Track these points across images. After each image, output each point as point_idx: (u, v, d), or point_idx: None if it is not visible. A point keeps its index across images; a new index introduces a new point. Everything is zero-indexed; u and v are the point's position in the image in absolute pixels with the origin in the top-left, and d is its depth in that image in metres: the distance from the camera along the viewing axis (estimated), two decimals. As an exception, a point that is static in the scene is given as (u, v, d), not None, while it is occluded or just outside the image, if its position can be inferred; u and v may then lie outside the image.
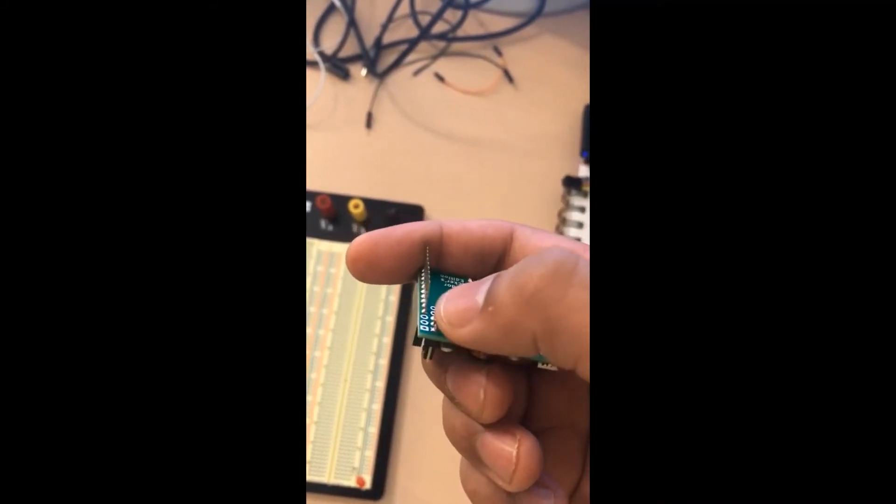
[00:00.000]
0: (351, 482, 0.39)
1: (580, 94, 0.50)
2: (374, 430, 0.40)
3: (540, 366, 0.16)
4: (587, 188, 0.45)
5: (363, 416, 0.41)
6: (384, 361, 0.42)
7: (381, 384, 0.41)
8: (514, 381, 0.16)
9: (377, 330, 0.42)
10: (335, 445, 0.40)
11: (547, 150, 0.48)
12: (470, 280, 0.18)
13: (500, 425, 0.16)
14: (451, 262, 0.18)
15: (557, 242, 0.17)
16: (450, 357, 0.17)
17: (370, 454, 0.40)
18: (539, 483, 0.16)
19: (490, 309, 0.15)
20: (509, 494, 0.16)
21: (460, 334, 0.15)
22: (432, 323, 0.16)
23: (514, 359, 0.16)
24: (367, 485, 0.39)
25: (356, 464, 0.40)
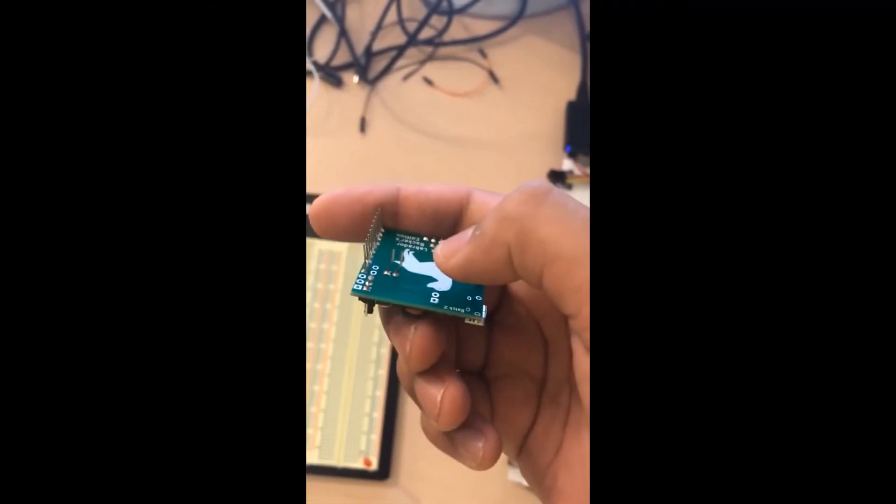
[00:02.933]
0: (358, 464, 0.42)
1: (563, 91, 0.52)
2: (378, 415, 0.43)
3: (467, 321, 0.18)
4: (571, 181, 0.48)
5: (368, 402, 0.43)
6: (385, 351, 0.44)
7: (383, 372, 0.44)
8: (445, 335, 0.18)
9: (378, 321, 0.45)
10: (342, 431, 0.43)
11: (532, 146, 0.51)
12: (423, 237, 0.19)
13: (432, 372, 0.17)
14: (407, 222, 0.19)
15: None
16: (391, 312, 0.18)
17: (375, 437, 0.43)
18: (474, 427, 0.18)
19: (477, 233, 0.16)
20: (448, 433, 0.18)
21: (451, 264, 0.17)
22: (367, 281, 0.18)
23: (448, 313, 0.17)
24: (374, 466, 0.42)
25: (363, 447, 0.43)
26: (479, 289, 0.18)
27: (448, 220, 0.19)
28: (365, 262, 0.18)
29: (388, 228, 0.19)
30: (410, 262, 0.18)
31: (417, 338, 0.17)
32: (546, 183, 0.16)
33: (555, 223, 0.15)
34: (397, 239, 0.19)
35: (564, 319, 0.19)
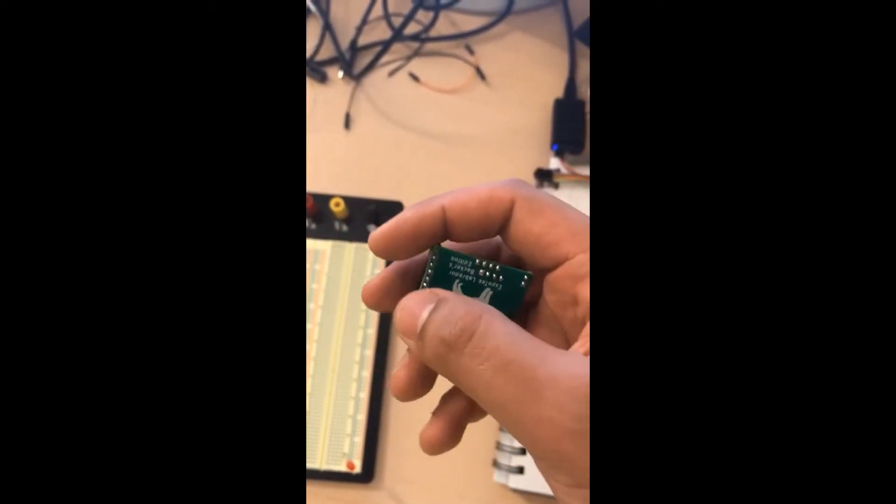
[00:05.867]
0: (341, 467, 0.41)
1: (550, 88, 0.52)
2: (361, 416, 0.42)
3: None
4: (558, 179, 0.47)
5: (351, 404, 0.43)
6: (369, 352, 0.44)
7: (367, 373, 0.43)
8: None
9: (361, 322, 0.44)
10: (325, 433, 0.42)
11: (519, 144, 0.50)
12: (476, 261, 0.20)
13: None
14: (456, 236, 0.20)
15: (548, 226, 0.19)
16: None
17: (359, 440, 0.42)
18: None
19: (418, 345, 0.18)
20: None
21: (405, 342, 0.19)
22: None
23: None
24: (357, 468, 0.41)
25: (346, 449, 0.42)
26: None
27: (493, 229, 0.20)
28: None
29: (440, 249, 0.20)
30: None
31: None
32: (475, 318, 0.17)
33: (476, 375, 0.17)
34: (450, 265, 0.20)
35: (578, 321, 0.20)
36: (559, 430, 0.16)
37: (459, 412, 0.21)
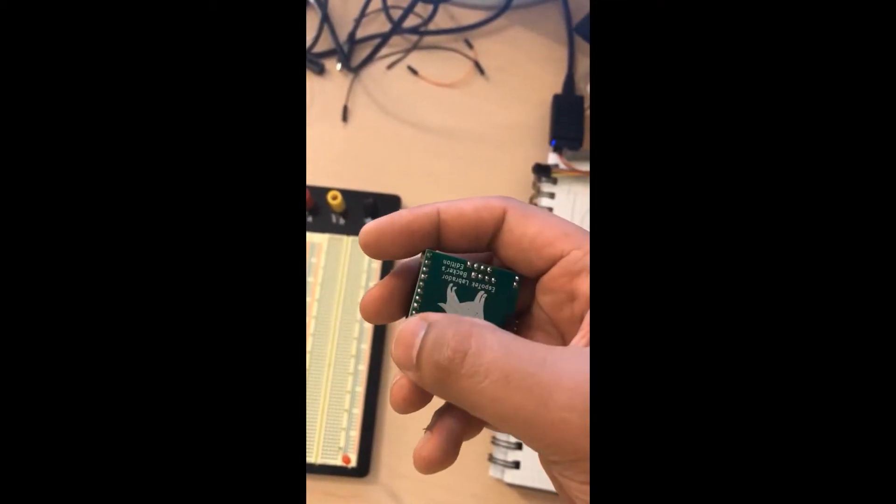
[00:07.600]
0: (337, 461, 0.41)
1: (549, 84, 0.52)
2: (357, 411, 0.42)
3: None
4: (556, 175, 0.47)
5: (347, 398, 0.43)
6: (366, 346, 0.43)
7: (363, 367, 0.43)
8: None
9: (358, 316, 0.44)
10: (321, 427, 0.42)
11: (517, 140, 0.50)
12: (467, 263, 0.20)
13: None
14: (449, 242, 0.20)
15: (542, 228, 0.20)
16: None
17: (355, 434, 0.42)
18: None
19: (416, 374, 0.18)
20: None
21: (405, 375, 0.19)
22: None
23: None
24: (353, 463, 0.41)
25: (342, 443, 0.42)
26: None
27: (486, 236, 0.20)
28: (413, 307, 0.20)
29: (433, 252, 0.20)
30: (452, 303, 0.20)
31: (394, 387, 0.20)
32: (465, 339, 0.17)
33: (475, 393, 0.17)
34: (443, 269, 0.20)
35: (576, 317, 0.20)
36: (573, 430, 0.15)
37: (456, 429, 0.20)
